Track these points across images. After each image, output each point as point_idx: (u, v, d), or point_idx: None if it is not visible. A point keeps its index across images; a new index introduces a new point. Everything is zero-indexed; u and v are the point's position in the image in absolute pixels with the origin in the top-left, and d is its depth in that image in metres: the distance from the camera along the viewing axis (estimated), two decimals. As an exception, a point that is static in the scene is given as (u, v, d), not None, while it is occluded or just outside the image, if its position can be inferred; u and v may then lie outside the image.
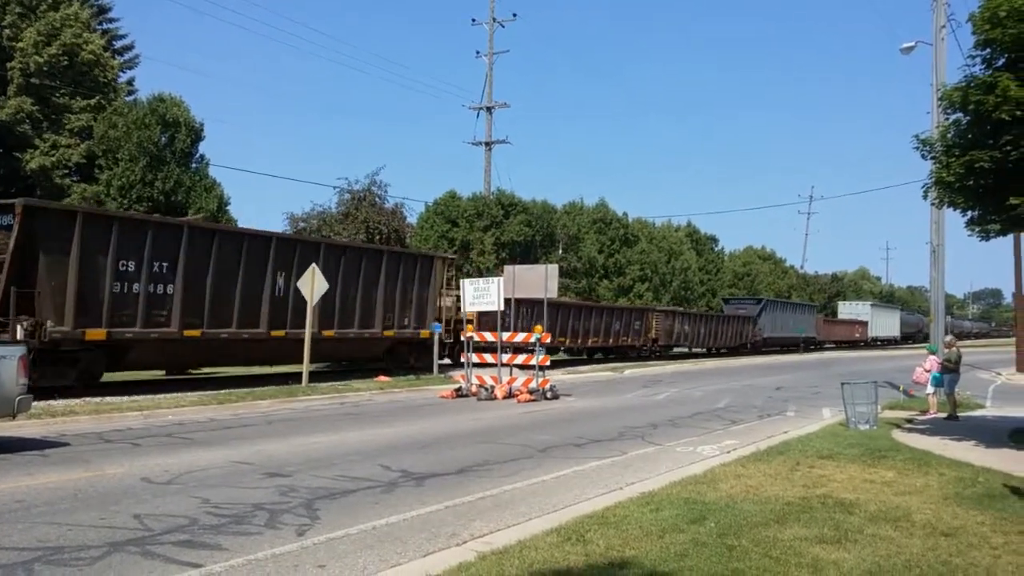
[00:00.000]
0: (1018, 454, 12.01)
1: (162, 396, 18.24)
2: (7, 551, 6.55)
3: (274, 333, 21.92)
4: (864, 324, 77.70)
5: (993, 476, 9.93)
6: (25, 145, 31.97)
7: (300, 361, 21.83)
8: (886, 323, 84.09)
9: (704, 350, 51.36)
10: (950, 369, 17.29)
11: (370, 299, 25.05)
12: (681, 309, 51.07)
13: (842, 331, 74.18)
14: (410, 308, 26.38)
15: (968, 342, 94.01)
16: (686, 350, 49.14)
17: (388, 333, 25.79)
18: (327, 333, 23.44)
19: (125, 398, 17.77)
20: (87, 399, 17.35)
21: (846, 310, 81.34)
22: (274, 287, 22.03)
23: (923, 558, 6.36)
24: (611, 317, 39.89)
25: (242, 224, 33.23)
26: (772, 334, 57.99)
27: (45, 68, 31.91)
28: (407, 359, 27.11)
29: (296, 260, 22.44)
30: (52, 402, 16.22)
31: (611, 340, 39.54)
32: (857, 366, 41.05)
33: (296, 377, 22.16)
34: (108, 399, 17.53)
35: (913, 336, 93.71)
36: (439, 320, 27.10)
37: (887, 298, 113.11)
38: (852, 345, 75.69)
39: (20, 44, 31.69)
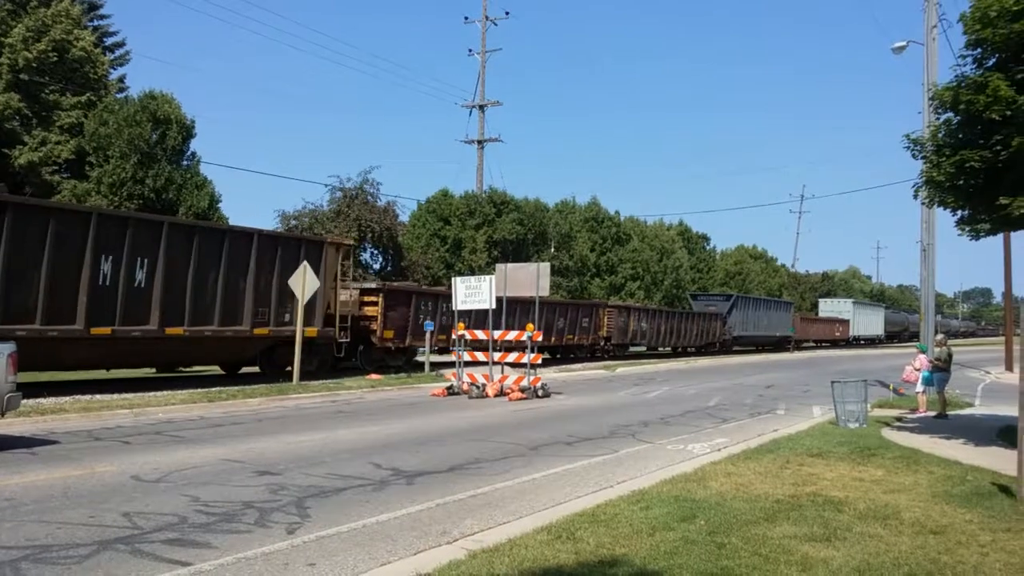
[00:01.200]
0: (1007, 452, 12.03)
1: (152, 394, 18.17)
2: (-5, 549, 6.52)
3: (96, 331, 18.02)
4: (845, 323, 76.23)
5: (982, 474, 9.97)
6: (14, 141, 31.81)
7: (145, 365, 20.47)
8: (869, 321, 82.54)
9: (668, 349, 48.37)
10: (940, 368, 17.36)
11: (236, 290, 21.39)
12: (638, 304, 47.36)
13: (821, 330, 72.12)
14: (294, 303, 21.78)
15: (955, 341, 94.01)
16: (643, 349, 46.22)
17: (261, 331, 22.03)
18: (172, 331, 19.71)
19: (115, 396, 17.71)
20: (77, 397, 17.29)
21: (827, 308, 79.66)
22: (97, 274, 18.10)
23: (912, 556, 6.39)
24: (553, 314, 35.30)
25: (234, 222, 33.07)
26: (743, 332, 55.43)
27: (34, 64, 31.75)
28: (290, 363, 21.81)
29: (129, 241, 18.71)
30: (41, 400, 16.15)
31: (553, 339, 34.95)
32: (847, 365, 41.20)
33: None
34: (98, 397, 17.48)
35: (898, 335, 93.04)
36: (334, 317, 23.90)
37: (877, 297, 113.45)
38: (833, 344, 73.87)
39: (9, 40, 31.51)
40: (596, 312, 39.51)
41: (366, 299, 26.21)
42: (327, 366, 24.98)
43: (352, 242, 27.15)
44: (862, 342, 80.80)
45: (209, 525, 7.45)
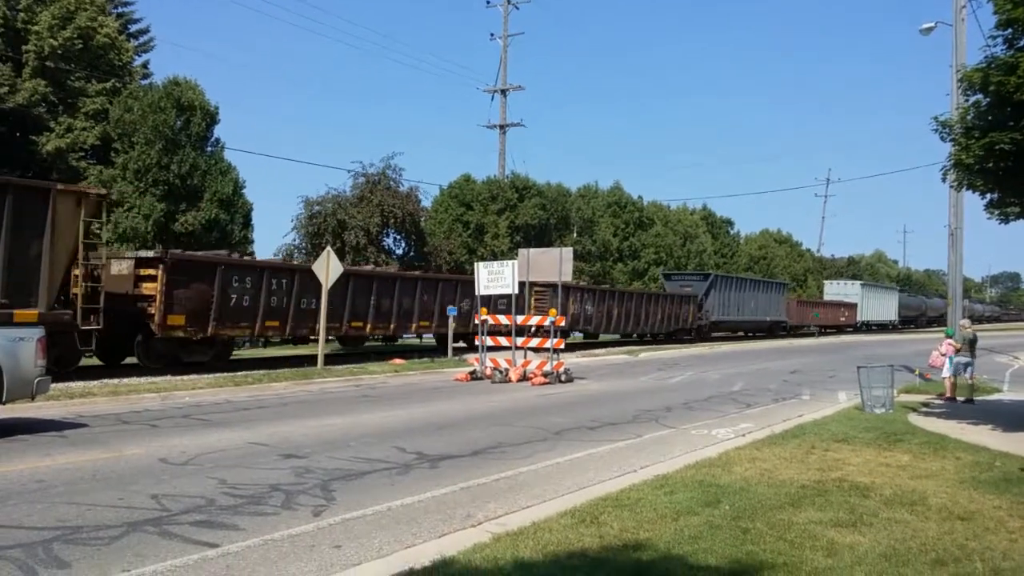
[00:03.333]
0: (1036, 438, 11.92)
1: (179, 378, 18.37)
2: (27, 530, 6.63)
3: None
4: (852, 306, 69.23)
5: (1010, 460, 9.87)
6: (41, 128, 32.12)
7: None
8: (880, 306, 75.66)
9: (630, 336, 42.12)
10: (965, 352, 17.22)
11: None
12: (584, 284, 39.42)
13: (823, 314, 64.26)
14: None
15: (981, 326, 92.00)
16: (590, 336, 40.63)
17: None
18: None
19: (143, 379, 17.92)
20: (105, 380, 17.51)
21: (833, 290, 72.88)
22: None
23: (939, 542, 6.34)
24: (456, 291, 28.89)
25: (258, 207, 33.04)
26: (724, 317, 48.45)
27: (60, 51, 31.98)
28: None
29: None
30: (70, 384, 16.37)
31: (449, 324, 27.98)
32: (873, 350, 40.86)
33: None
34: (126, 381, 17.69)
35: (915, 320, 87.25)
36: (75, 294, 16.04)
37: (904, 281, 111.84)
38: (839, 330, 66.99)
39: (35, 27, 31.77)
40: (522, 292, 32.92)
41: (142, 272, 19.62)
42: (69, 364, 17.15)
43: (102, 192, 17.61)
44: (873, 328, 74.48)
45: (236, 507, 7.53)
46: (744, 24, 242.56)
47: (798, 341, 53.70)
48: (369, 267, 29.86)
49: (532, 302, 30.99)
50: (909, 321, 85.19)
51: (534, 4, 53.39)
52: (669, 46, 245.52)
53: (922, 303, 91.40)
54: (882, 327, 76.40)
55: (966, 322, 18.47)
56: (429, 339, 34.18)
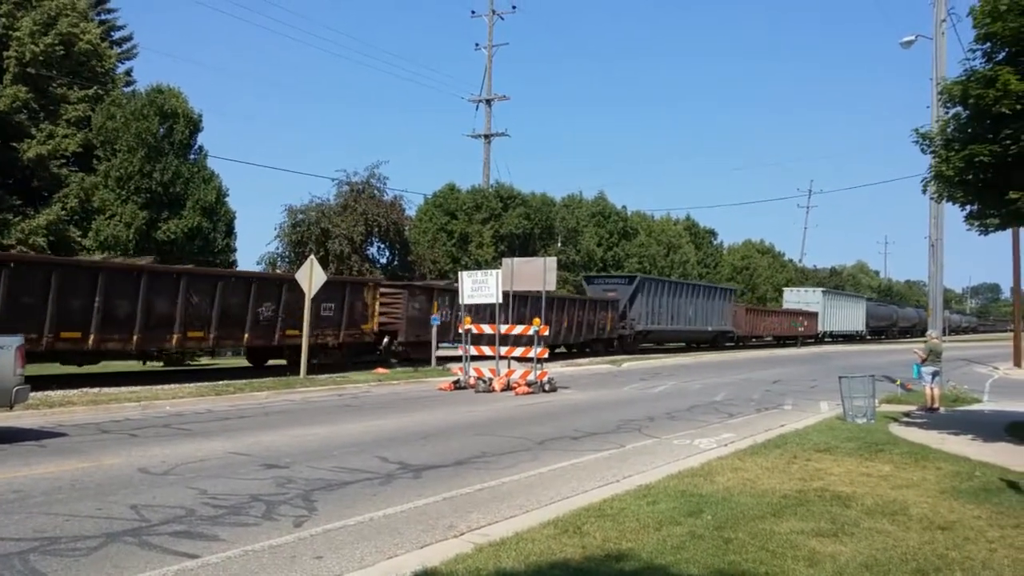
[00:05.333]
0: (1015, 448, 12.02)
1: (160, 387, 18.23)
2: (4, 541, 6.55)
3: None
4: (813, 316, 64.34)
5: (990, 470, 9.94)
6: (22, 135, 31.86)
7: None
8: (846, 315, 71.42)
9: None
10: (933, 362, 17.55)
11: None
12: (442, 284, 31.12)
13: (779, 324, 59.38)
14: None
15: (958, 337, 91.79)
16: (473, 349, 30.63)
17: None
18: None
19: (123, 389, 17.78)
20: (85, 389, 17.35)
21: (792, 298, 67.84)
22: None
23: (920, 552, 6.37)
24: (277, 293, 22.82)
25: (241, 215, 32.97)
26: (654, 326, 42.61)
27: (41, 57, 31.76)
28: None
29: None
30: (50, 393, 16.22)
31: (271, 337, 22.72)
32: (855, 360, 41.08)
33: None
34: (106, 390, 17.54)
35: (885, 331, 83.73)
36: None
37: (885, 292, 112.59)
38: (795, 341, 62.38)
39: (17, 33, 31.54)
40: (363, 296, 25.77)
41: None
42: None
43: None
44: (840, 339, 70.26)
45: (216, 518, 7.47)
46: (730, 36, 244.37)
47: (782, 351, 53.66)
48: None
49: (376, 308, 26.04)
50: (879, 332, 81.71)
51: (519, 14, 53.77)
52: (653, 57, 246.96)
53: (893, 313, 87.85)
54: (848, 338, 72.59)
55: (934, 332, 18.93)
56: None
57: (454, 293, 26.40)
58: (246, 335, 22.24)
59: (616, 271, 50.64)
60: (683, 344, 49.38)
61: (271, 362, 25.75)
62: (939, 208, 21.13)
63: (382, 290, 27.04)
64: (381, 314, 26.61)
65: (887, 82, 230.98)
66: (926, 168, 13.89)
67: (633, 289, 41.21)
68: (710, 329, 48.98)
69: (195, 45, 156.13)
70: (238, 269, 30.71)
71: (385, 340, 27.43)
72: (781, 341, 61.09)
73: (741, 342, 54.79)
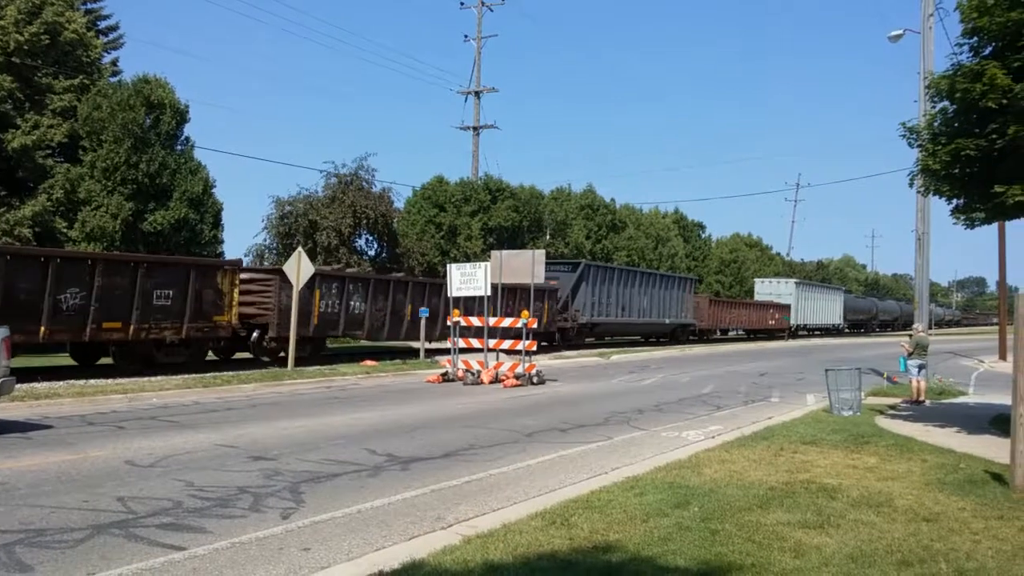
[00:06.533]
0: (1000, 440, 12.09)
1: (146, 379, 18.14)
2: (-11, 533, 6.51)
3: None
4: (785, 308, 60.98)
5: (975, 462, 10.01)
6: (6, 124, 31.58)
7: None
8: (822, 307, 68.58)
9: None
10: (919, 355, 17.71)
11: None
12: (330, 268, 27.83)
13: (746, 317, 56.01)
14: None
15: (943, 330, 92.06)
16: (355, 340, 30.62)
17: None
18: None
19: (109, 381, 17.69)
20: (71, 381, 17.26)
21: (764, 289, 64.82)
22: None
23: (904, 543, 6.41)
24: (88, 276, 18.44)
25: (228, 207, 32.74)
26: (601, 318, 39.18)
27: (26, 47, 31.45)
28: None
29: None
30: (35, 384, 16.13)
31: (79, 331, 18.30)
32: (842, 353, 41.30)
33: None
34: (92, 382, 17.45)
35: (865, 324, 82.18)
36: None
37: (872, 285, 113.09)
38: (770, 336, 59.45)
39: (1, 22, 31.23)
40: (215, 284, 21.45)
41: None
42: None
43: None
44: (816, 333, 67.90)
45: (203, 510, 7.45)
46: (719, 29, 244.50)
47: (771, 344, 53.80)
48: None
49: (235, 296, 21.73)
50: (858, 325, 79.61)
51: (508, 6, 53.95)
52: (642, 50, 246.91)
53: (872, 306, 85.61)
54: (824, 332, 70.18)
55: (920, 326, 19.12)
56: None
57: (344, 279, 24.87)
58: (42, 328, 17.52)
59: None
60: (638, 338, 46.32)
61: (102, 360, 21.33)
62: (926, 202, 21.24)
63: (244, 276, 22.77)
64: (244, 304, 22.37)
65: (876, 76, 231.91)
66: (913, 162, 13.96)
67: (577, 277, 37.32)
68: (667, 322, 45.78)
69: (182, 35, 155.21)
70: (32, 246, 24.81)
71: (255, 335, 23.36)
72: (751, 335, 58.33)
73: (704, 336, 51.92)
